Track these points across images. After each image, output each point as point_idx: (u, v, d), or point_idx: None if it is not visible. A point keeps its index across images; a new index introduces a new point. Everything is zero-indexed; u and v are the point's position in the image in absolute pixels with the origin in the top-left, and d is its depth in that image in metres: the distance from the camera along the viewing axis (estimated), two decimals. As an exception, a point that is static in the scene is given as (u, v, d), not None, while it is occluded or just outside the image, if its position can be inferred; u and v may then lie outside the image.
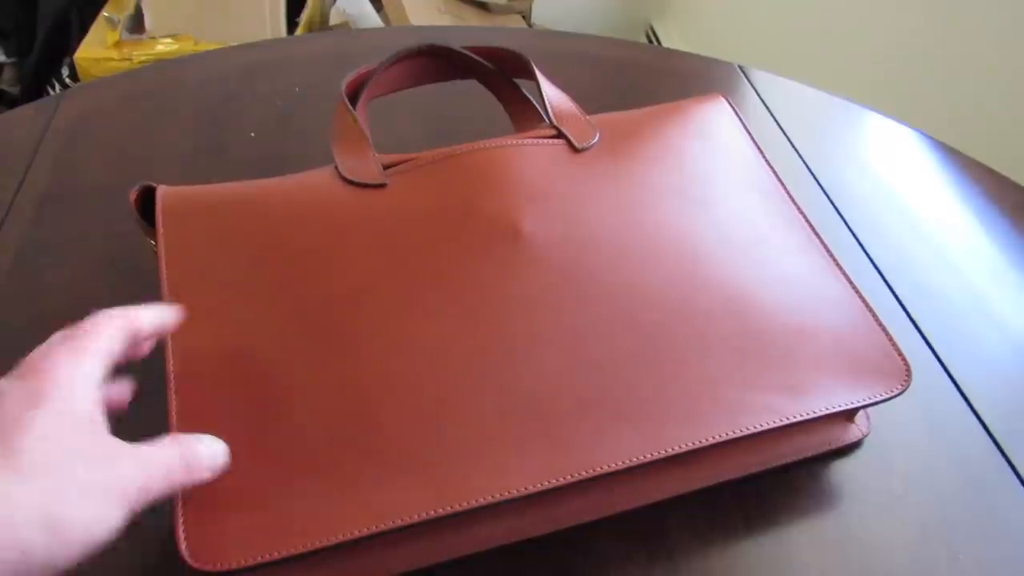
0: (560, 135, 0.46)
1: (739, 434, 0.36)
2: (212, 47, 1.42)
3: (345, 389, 0.35)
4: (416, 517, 0.32)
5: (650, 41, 1.98)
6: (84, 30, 1.52)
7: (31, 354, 0.30)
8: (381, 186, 0.42)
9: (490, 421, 0.35)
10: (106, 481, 0.27)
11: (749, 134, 0.50)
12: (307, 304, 0.38)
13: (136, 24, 1.50)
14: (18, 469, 0.25)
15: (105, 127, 0.63)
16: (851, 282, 0.43)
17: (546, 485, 0.34)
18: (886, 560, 0.38)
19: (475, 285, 0.39)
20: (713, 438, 0.36)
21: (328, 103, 0.46)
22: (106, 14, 1.51)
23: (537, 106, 0.49)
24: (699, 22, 1.83)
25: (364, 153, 0.43)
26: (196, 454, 0.31)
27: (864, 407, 0.39)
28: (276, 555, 0.31)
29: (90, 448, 0.28)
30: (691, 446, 0.35)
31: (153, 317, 0.34)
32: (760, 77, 0.74)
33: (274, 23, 1.55)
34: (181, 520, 0.31)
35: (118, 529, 0.27)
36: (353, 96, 0.46)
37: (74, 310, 0.47)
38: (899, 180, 0.63)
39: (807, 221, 0.46)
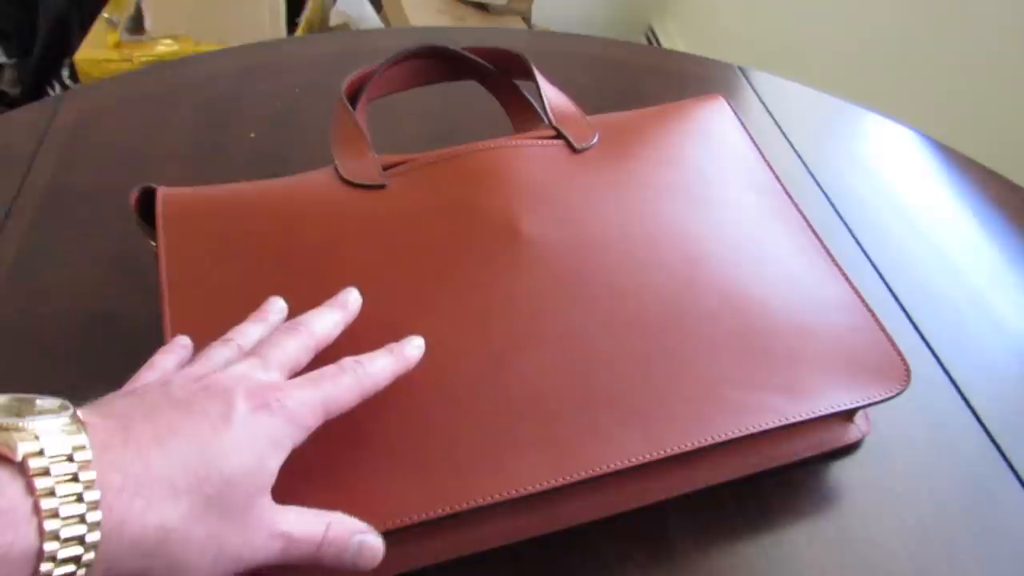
0: (559, 136, 0.46)
1: (740, 434, 0.36)
2: (212, 47, 1.42)
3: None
4: (416, 517, 0.32)
5: (650, 42, 1.98)
6: (84, 31, 1.52)
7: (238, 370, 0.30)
8: (380, 187, 0.43)
9: (490, 421, 0.35)
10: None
11: (749, 134, 0.50)
12: (306, 306, 0.38)
13: (136, 25, 1.50)
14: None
15: (105, 128, 0.63)
16: (851, 282, 0.43)
17: (546, 485, 0.34)
18: (886, 560, 0.38)
19: (475, 286, 0.39)
20: (714, 438, 0.36)
21: (328, 104, 0.46)
22: (106, 15, 1.51)
23: (537, 107, 0.49)
24: (699, 23, 1.83)
25: (363, 154, 0.43)
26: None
27: (864, 407, 0.39)
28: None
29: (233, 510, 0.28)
30: (692, 446, 0.35)
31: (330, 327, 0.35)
32: (760, 78, 0.74)
33: (274, 23, 1.55)
34: None
35: None
36: (353, 97, 0.46)
37: (74, 310, 0.48)
38: (899, 180, 0.63)
39: (807, 222, 0.46)
